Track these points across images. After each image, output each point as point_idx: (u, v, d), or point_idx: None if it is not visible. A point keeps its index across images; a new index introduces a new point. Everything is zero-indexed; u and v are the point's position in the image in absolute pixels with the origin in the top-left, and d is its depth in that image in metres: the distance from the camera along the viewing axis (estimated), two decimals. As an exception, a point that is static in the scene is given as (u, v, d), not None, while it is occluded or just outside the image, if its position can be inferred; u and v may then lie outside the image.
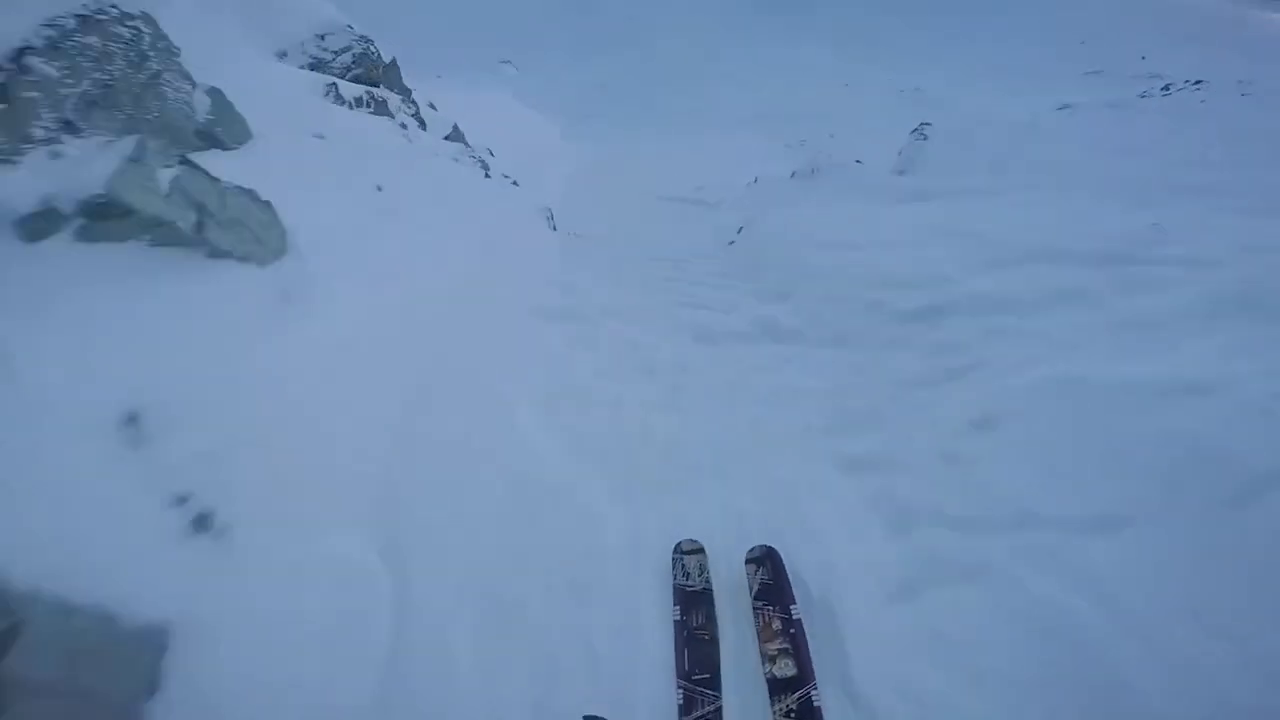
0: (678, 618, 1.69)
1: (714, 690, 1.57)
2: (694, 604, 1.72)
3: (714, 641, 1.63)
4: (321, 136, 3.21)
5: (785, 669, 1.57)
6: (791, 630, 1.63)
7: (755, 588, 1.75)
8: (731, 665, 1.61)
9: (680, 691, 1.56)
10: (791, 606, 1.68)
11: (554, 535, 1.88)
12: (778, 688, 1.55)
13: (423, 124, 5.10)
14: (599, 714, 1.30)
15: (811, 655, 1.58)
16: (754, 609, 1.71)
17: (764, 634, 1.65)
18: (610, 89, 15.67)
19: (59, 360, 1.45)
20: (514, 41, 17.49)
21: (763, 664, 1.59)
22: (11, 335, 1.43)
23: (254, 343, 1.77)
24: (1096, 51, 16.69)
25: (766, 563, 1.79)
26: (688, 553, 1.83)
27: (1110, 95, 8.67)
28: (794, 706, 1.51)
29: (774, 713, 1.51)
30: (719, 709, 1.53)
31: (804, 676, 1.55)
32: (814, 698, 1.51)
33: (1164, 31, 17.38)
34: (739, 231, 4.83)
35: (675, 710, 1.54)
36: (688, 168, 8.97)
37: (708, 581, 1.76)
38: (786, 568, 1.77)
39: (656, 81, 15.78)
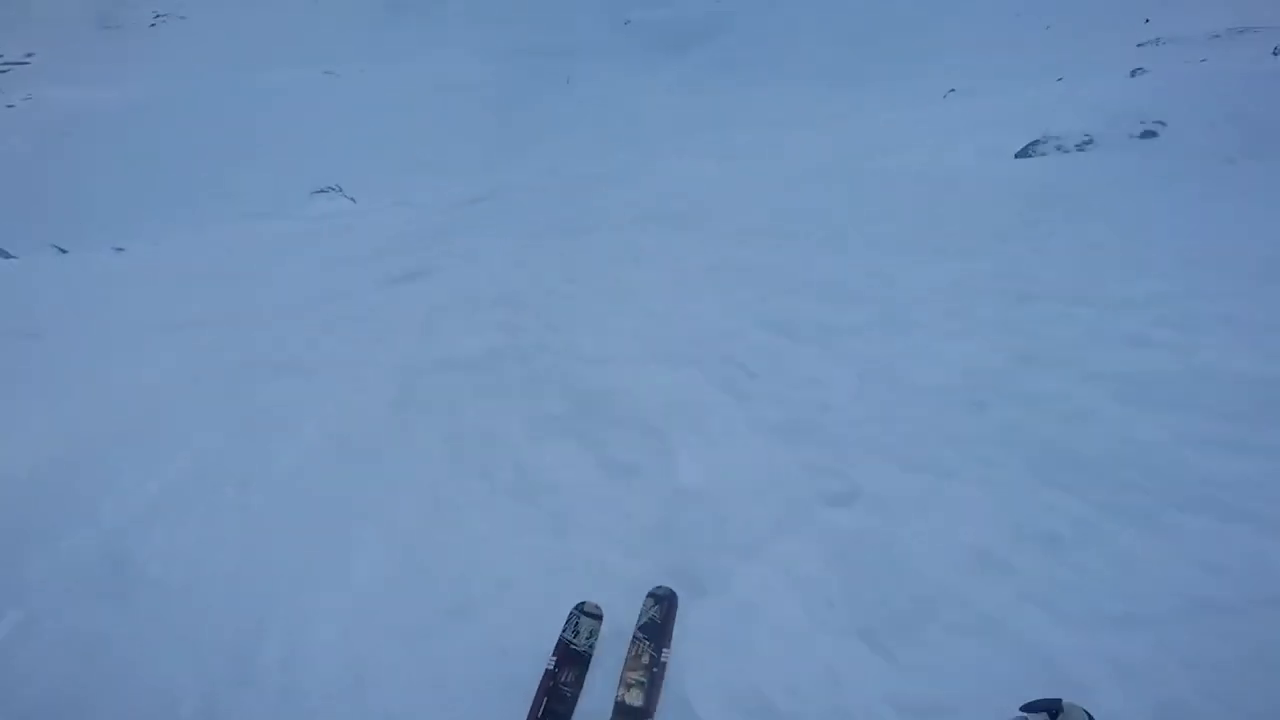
0: (551, 667, 1.82)
1: None
2: (570, 663, 1.86)
3: (572, 700, 1.80)
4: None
5: (635, 698, 1.73)
6: (654, 669, 1.79)
7: (644, 620, 1.90)
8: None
9: None
10: (664, 649, 1.83)
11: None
12: (622, 712, 1.73)
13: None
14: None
15: (660, 696, 1.75)
16: (634, 637, 1.86)
17: (630, 663, 1.81)
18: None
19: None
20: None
21: (618, 687, 1.76)
22: None
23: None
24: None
25: (663, 603, 1.94)
26: (586, 614, 1.95)
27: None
28: None
29: None
30: None
31: (647, 709, 1.72)
32: None
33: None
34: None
35: None
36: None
37: (592, 648, 1.90)
38: (676, 617, 1.93)
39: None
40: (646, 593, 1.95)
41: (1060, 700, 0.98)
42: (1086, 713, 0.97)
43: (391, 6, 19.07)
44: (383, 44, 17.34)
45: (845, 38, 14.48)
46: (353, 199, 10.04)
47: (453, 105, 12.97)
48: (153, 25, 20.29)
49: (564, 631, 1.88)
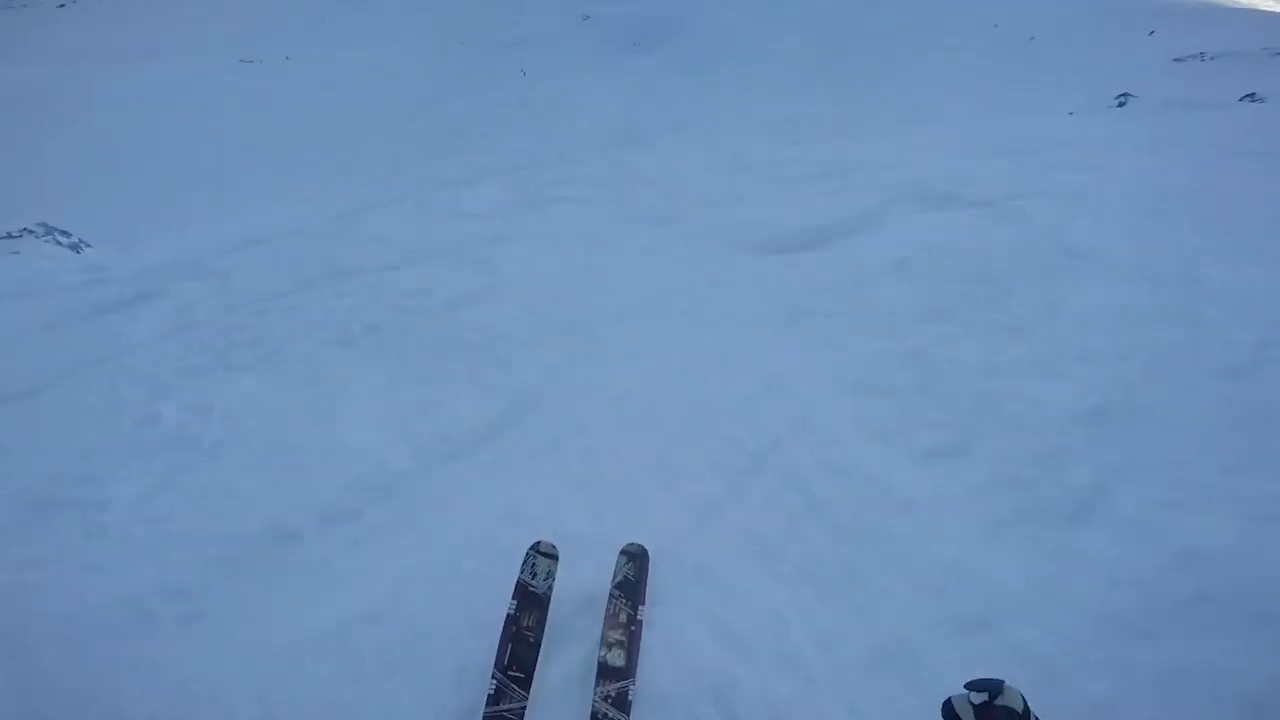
0: (512, 612, 1.84)
1: (524, 690, 1.74)
2: (530, 605, 1.87)
3: (536, 646, 1.81)
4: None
5: (616, 658, 1.75)
6: (633, 627, 1.82)
7: (618, 578, 1.93)
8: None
9: (494, 682, 1.72)
10: (640, 606, 1.87)
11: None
12: (605, 673, 1.73)
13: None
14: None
15: (640, 656, 1.77)
16: (610, 595, 1.89)
17: (609, 621, 1.83)
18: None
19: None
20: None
21: (599, 648, 1.78)
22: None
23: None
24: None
25: (637, 560, 1.98)
26: (543, 554, 1.96)
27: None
28: (612, 694, 1.69)
29: (595, 693, 1.70)
30: (523, 709, 1.70)
31: (628, 670, 1.73)
32: (630, 692, 1.70)
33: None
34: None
35: (484, 697, 1.70)
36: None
37: (550, 588, 1.92)
38: (649, 572, 1.98)
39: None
40: (619, 550, 1.98)
41: (1002, 682, 1.03)
42: (1022, 696, 1.02)
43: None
44: (318, 31, 15.77)
45: (816, 44, 13.10)
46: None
47: (380, 100, 11.53)
48: (61, 6, 18.33)
49: (522, 573, 1.90)
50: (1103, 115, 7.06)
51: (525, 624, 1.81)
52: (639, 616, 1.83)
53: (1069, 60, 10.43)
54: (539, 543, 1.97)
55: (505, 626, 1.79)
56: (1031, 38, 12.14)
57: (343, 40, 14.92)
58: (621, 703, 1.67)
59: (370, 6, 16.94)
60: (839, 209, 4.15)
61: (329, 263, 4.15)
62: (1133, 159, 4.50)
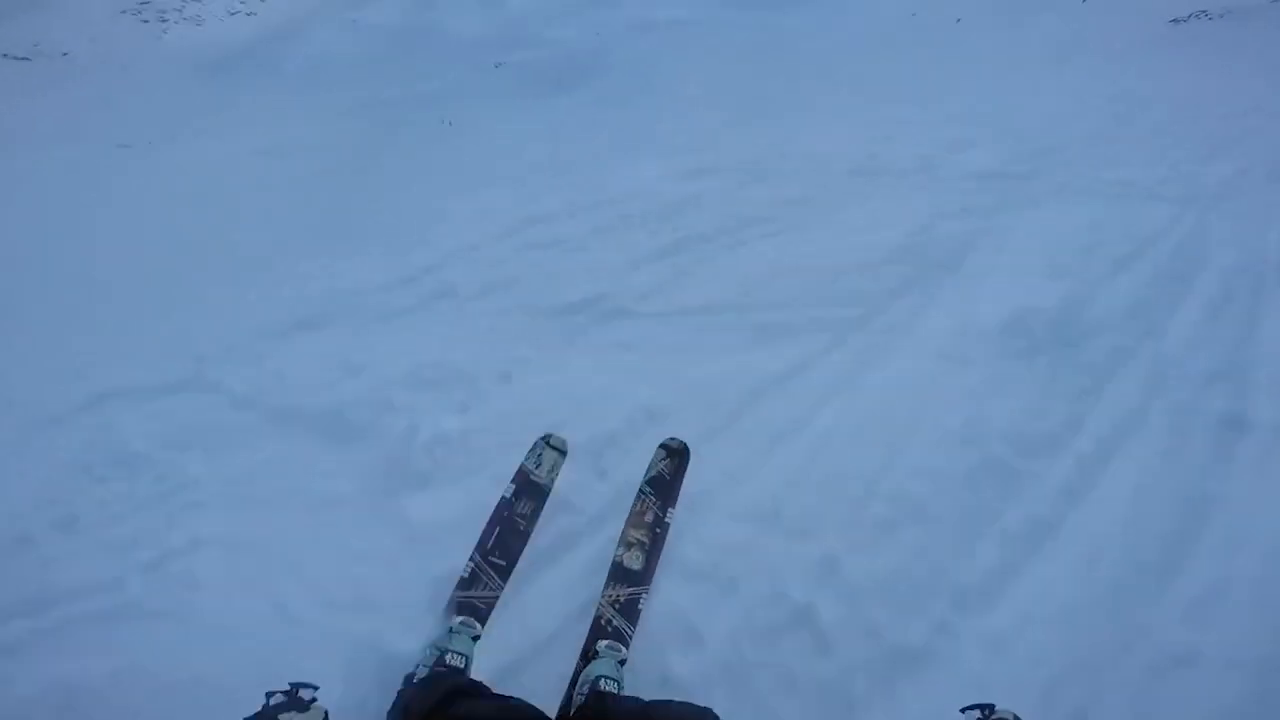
0: (507, 495, 1.82)
1: (502, 579, 1.70)
2: (528, 493, 1.85)
3: (524, 536, 1.77)
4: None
5: (634, 560, 1.73)
6: (658, 529, 1.80)
7: (652, 474, 1.90)
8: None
9: (470, 565, 1.68)
10: (670, 509, 1.83)
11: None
12: (617, 574, 1.70)
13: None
14: None
15: (659, 562, 1.69)
16: (640, 491, 1.85)
17: (633, 519, 1.80)
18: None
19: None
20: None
21: (617, 545, 1.75)
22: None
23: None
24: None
25: (676, 457, 1.94)
26: (551, 446, 1.95)
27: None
28: (621, 598, 1.65)
29: (603, 595, 1.64)
30: (495, 599, 1.66)
31: (644, 575, 1.70)
32: (641, 600, 1.66)
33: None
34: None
35: (456, 579, 1.64)
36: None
37: (553, 482, 1.90)
38: (686, 474, 1.89)
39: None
40: (659, 444, 1.93)
41: (994, 706, 1.04)
42: (1017, 717, 1.03)
43: (216, 68, 16.05)
44: (200, 112, 14.27)
45: (734, 62, 12.34)
46: None
47: (269, 177, 10.13)
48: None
49: (525, 460, 1.89)
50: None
51: (519, 510, 1.81)
52: (667, 519, 1.81)
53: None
54: (549, 435, 1.96)
55: (496, 510, 1.78)
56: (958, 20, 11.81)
57: (228, 120, 13.50)
58: (630, 610, 1.64)
59: (258, 83, 15.60)
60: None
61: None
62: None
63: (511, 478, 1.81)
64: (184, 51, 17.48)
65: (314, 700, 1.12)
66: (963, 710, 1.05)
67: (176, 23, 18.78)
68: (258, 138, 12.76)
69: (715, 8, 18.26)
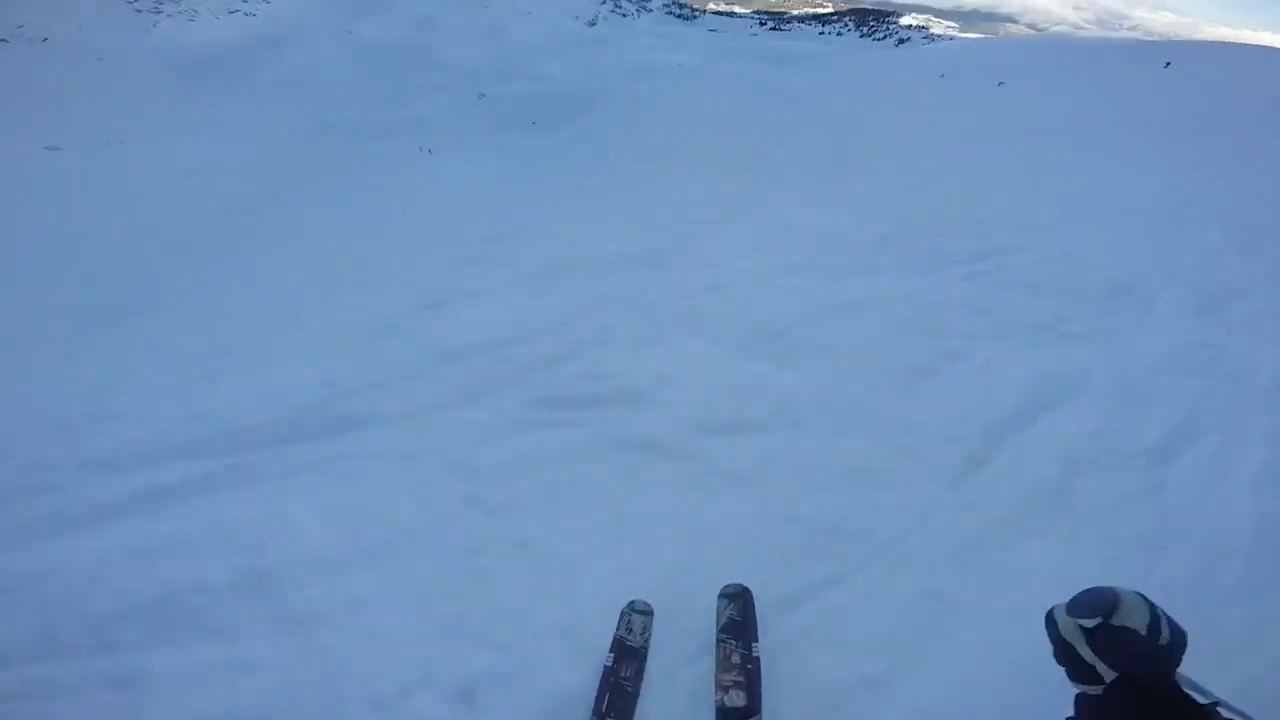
0: (609, 664, 1.78)
1: None
2: (628, 658, 1.82)
3: (635, 695, 1.75)
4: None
5: (736, 699, 1.68)
6: (749, 666, 1.75)
7: (723, 621, 1.86)
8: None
9: None
10: (754, 644, 1.79)
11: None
12: (725, 715, 1.67)
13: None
14: None
15: (761, 691, 1.70)
16: (718, 641, 1.82)
17: (723, 665, 1.77)
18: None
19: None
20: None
21: (715, 692, 1.72)
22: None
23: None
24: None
25: (738, 600, 1.89)
26: (638, 611, 1.91)
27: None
28: None
29: None
30: None
31: (751, 708, 1.67)
32: None
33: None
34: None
35: None
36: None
37: (647, 642, 1.86)
38: (755, 609, 1.89)
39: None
40: (718, 594, 1.90)
41: (1115, 592, 0.80)
42: (1145, 600, 0.80)
43: (196, 69, 15.35)
44: (159, 115, 13.56)
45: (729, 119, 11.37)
46: None
47: (176, 212, 9.26)
48: None
49: (618, 630, 1.84)
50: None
51: (623, 674, 1.75)
52: (754, 654, 1.75)
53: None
54: (634, 601, 1.91)
55: (603, 677, 1.74)
56: (1000, 83, 10.66)
57: (184, 126, 12.79)
58: None
59: (245, 91, 14.99)
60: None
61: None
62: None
63: (609, 648, 1.84)
64: (169, 47, 17.02)
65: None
66: (1070, 609, 0.81)
67: (171, 15, 18.39)
68: (198, 153, 11.98)
69: (716, 58, 17.62)
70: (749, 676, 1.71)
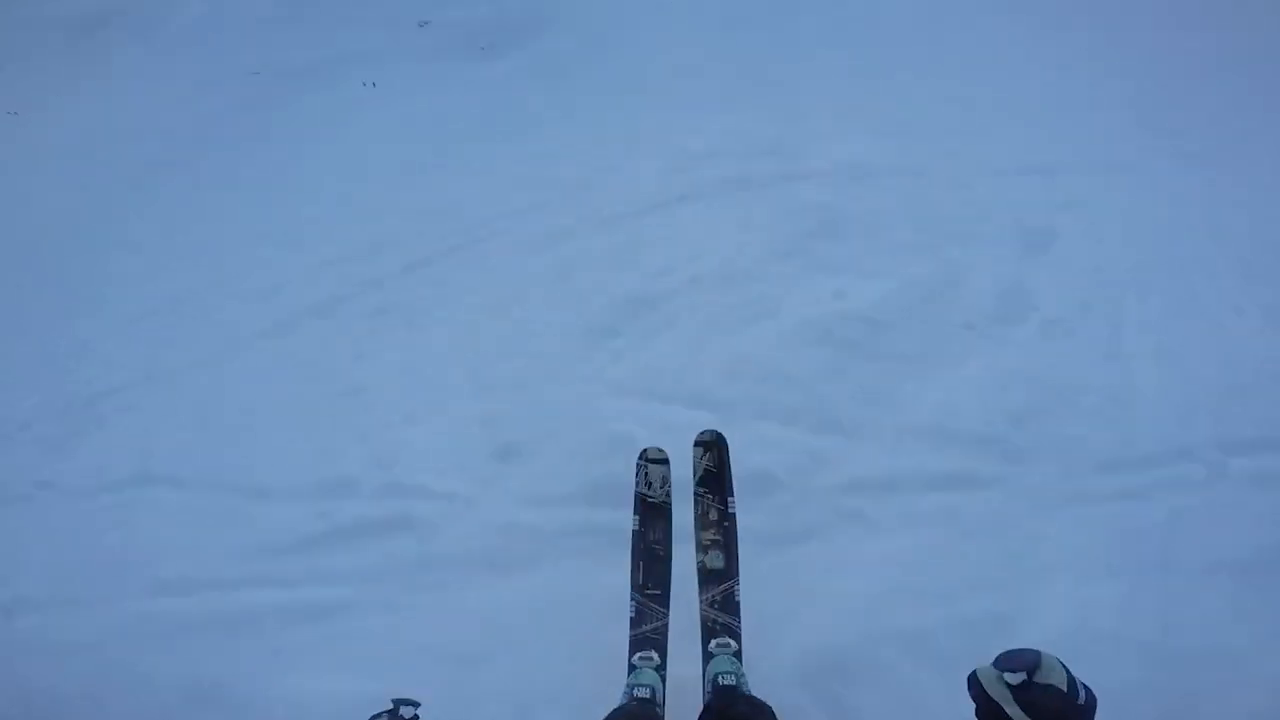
0: (636, 528, 1.84)
1: (663, 607, 1.77)
2: (653, 517, 1.87)
3: (667, 559, 1.81)
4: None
5: (715, 561, 1.78)
6: (725, 523, 1.83)
7: (700, 472, 1.92)
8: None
9: (634, 604, 1.76)
10: (729, 499, 1.87)
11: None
12: (707, 578, 1.77)
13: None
14: None
15: (737, 550, 1.78)
16: (695, 494, 1.89)
17: (702, 521, 1.85)
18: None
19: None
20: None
21: (696, 552, 1.81)
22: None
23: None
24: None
25: (713, 449, 1.94)
26: (652, 461, 1.95)
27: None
28: (718, 598, 1.75)
29: (701, 600, 1.74)
30: (665, 625, 1.74)
31: (730, 570, 1.76)
32: (735, 592, 1.75)
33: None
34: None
35: (627, 621, 1.73)
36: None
37: (667, 495, 1.92)
38: (730, 458, 1.92)
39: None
40: (693, 443, 1.94)
41: (1038, 653, 0.93)
42: (1063, 664, 0.92)
43: (89, 26, 13.15)
44: (40, 85, 11.49)
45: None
46: None
47: (46, 195, 7.60)
48: None
49: (637, 485, 1.90)
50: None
51: (652, 538, 1.83)
52: (730, 510, 1.85)
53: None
54: (646, 450, 1.95)
55: (633, 544, 1.81)
56: None
57: (84, 97, 10.76)
58: (729, 605, 1.73)
59: (146, 46, 12.80)
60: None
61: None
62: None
63: (633, 509, 1.84)
64: (61, 11, 14.66)
65: (415, 718, 1.15)
66: (997, 663, 0.92)
67: None
68: (78, 125, 10.06)
69: None
70: (725, 534, 1.81)
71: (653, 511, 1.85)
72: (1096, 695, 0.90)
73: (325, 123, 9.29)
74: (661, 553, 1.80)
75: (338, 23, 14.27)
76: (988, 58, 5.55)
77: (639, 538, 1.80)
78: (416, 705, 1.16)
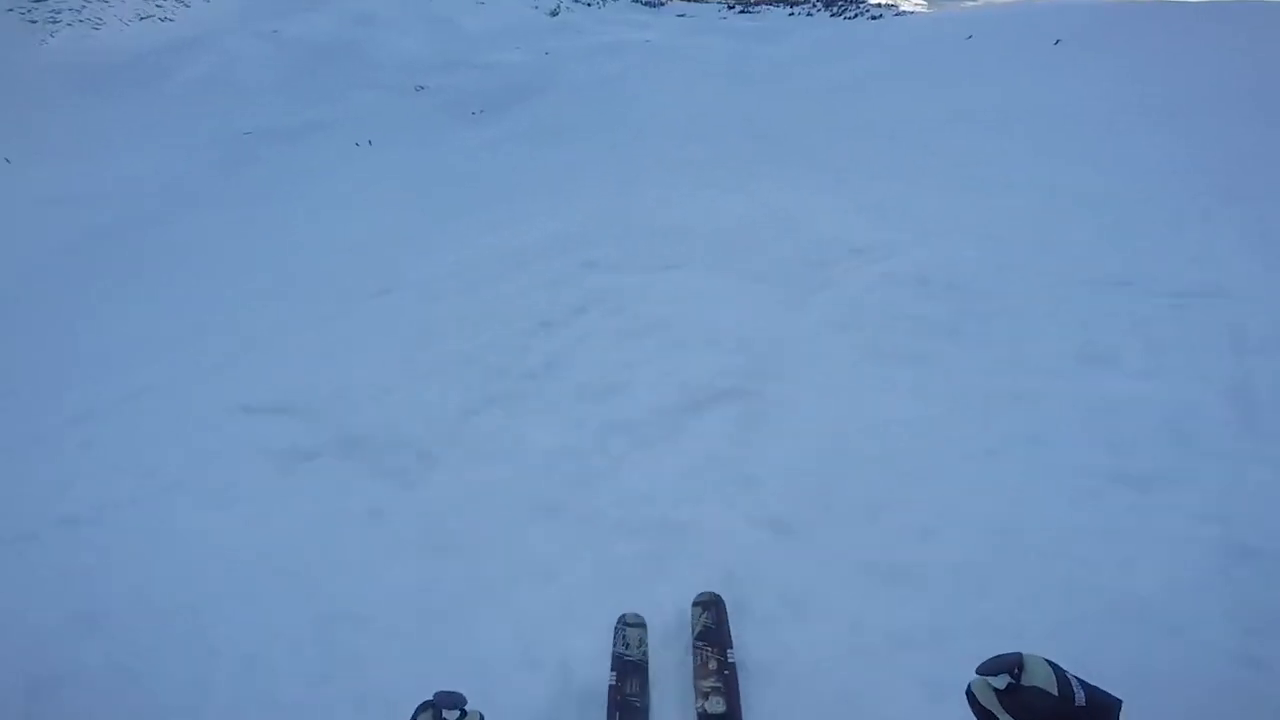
0: (613, 683, 1.74)
1: None
2: (629, 673, 1.78)
3: (644, 710, 1.72)
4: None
5: (716, 705, 1.64)
6: (725, 671, 1.72)
7: (698, 629, 1.83)
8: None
9: None
10: (729, 650, 1.77)
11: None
12: None
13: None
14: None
15: (740, 696, 1.69)
16: (694, 648, 1.80)
17: (700, 671, 1.74)
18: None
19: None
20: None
21: (696, 699, 1.69)
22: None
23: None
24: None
25: (711, 608, 1.87)
26: (630, 625, 1.87)
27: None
28: None
29: None
30: None
31: (732, 713, 1.64)
32: None
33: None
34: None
35: None
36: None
37: (644, 655, 1.83)
38: (728, 614, 1.89)
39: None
40: (691, 603, 1.89)
41: (1019, 656, 0.83)
42: (1048, 663, 0.82)
43: (98, 79, 13.40)
44: (42, 132, 11.61)
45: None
46: None
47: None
48: None
49: (615, 646, 1.81)
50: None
51: (629, 691, 1.71)
52: (730, 660, 1.73)
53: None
54: (624, 615, 1.89)
55: (609, 698, 1.70)
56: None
57: (83, 147, 10.88)
58: None
59: (150, 99, 13.09)
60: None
61: None
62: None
63: (610, 666, 1.77)
64: (68, 58, 15.11)
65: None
66: (980, 670, 0.84)
67: (71, 24, 16.47)
68: (69, 177, 10.10)
69: (685, 34, 15.87)
70: (727, 682, 1.66)
71: (629, 668, 1.77)
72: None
73: (304, 180, 9.27)
74: (638, 704, 1.70)
75: (339, 87, 14.72)
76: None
77: (614, 691, 1.71)
78: (464, 702, 1.03)
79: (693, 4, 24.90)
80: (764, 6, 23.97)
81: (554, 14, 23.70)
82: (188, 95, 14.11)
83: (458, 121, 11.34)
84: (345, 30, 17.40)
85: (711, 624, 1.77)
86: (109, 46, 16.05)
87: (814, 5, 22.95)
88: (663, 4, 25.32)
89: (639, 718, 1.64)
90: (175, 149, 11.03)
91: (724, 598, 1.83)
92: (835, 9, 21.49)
